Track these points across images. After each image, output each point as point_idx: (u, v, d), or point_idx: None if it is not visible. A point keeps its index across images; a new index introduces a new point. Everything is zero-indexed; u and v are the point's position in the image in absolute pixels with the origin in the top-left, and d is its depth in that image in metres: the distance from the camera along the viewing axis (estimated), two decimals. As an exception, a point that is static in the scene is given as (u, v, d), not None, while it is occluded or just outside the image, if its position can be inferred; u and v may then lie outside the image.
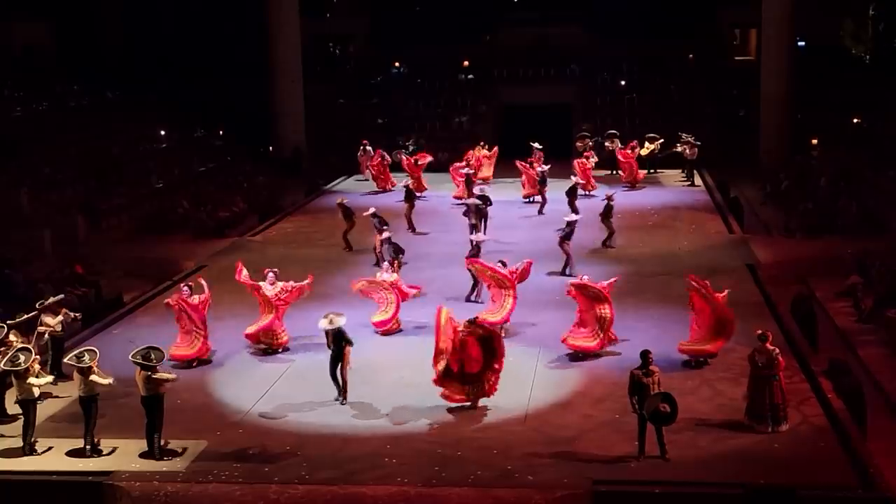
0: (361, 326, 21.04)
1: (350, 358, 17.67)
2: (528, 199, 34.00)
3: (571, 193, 29.89)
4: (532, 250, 24.81)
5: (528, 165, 34.37)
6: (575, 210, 28.13)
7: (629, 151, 37.25)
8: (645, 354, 15.59)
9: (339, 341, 17.55)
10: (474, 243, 23.99)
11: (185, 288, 19.88)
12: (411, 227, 30.26)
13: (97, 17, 48.43)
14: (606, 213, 27.81)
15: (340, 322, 17.62)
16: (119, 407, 17.10)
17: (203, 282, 20.43)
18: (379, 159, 37.55)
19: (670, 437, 15.26)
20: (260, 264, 25.82)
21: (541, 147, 36.15)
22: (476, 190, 31.25)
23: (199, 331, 19.43)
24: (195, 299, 19.61)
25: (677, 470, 14.82)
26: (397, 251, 24.43)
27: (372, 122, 45.97)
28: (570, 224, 25.43)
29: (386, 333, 21.05)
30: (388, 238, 24.68)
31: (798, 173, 36.15)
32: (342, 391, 17.63)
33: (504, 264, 21.27)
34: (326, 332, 17.72)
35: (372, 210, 26.80)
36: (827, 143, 39.56)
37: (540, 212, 32.41)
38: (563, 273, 24.65)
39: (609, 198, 28.06)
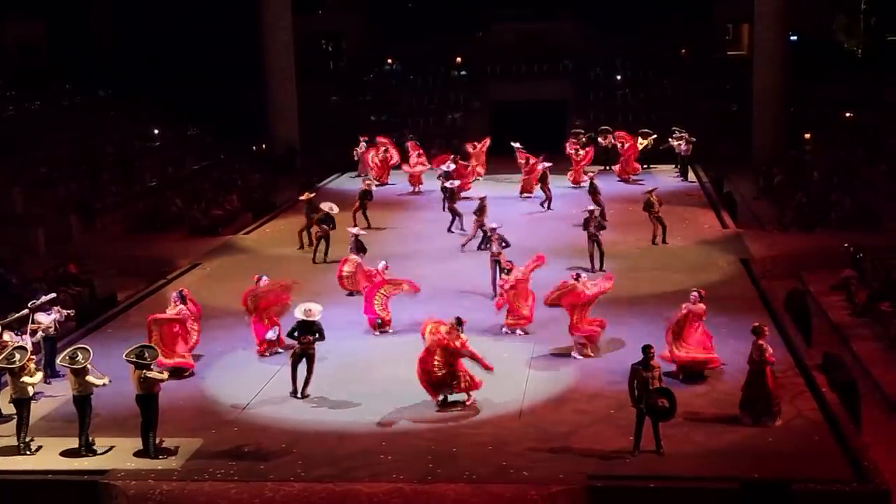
0: (356, 325, 21.07)
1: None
2: (528, 196, 33.68)
3: (593, 190, 29.41)
4: (532, 247, 24.63)
5: (526, 164, 34.10)
6: (598, 203, 27.98)
7: (626, 145, 37.05)
8: (646, 349, 15.52)
9: (311, 333, 17.60)
10: (486, 233, 24.89)
11: (176, 296, 19.51)
12: (367, 224, 29.62)
13: (90, 17, 48.42)
14: (649, 209, 27.68)
15: (317, 309, 17.79)
16: (114, 406, 17.06)
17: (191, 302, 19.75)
18: (381, 153, 37.43)
19: (665, 432, 15.27)
20: (254, 262, 26.01)
21: (521, 146, 34.98)
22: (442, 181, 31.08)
23: (164, 346, 18.41)
24: (181, 308, 19.18)
25: (672, 464, 14.84)
26: (360, 248, 24.07)
27: (366, 119, 45.92)
28: (591, 213, 25.05)
29: (381, 330, 20.93)
30: (355, 236, 24.38)
31: (791, 168, 36.17)
32: (304, 385, 17.67)
33: (509, 271, 20.72)
34: (301, 323, 17.70)
35: (327, 209, 27.01)
36: (820, 137, 39.59)
37: (548, 207, 32.10)
38: (597, 266, 24.45)
39: (649, 193, 27.82)
